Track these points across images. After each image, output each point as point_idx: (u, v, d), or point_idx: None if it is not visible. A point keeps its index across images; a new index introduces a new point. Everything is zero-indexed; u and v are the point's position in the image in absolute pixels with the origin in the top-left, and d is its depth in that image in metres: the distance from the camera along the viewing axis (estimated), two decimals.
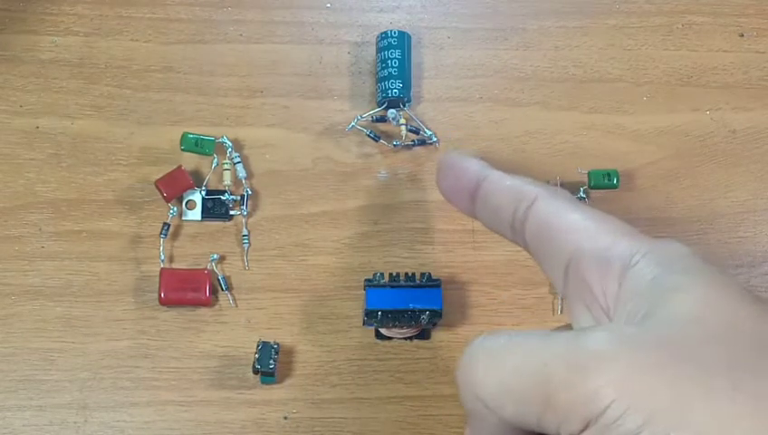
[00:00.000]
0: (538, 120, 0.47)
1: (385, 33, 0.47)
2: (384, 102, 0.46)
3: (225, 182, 0.45)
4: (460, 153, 0.35)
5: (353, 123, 0.46)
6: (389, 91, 0.45)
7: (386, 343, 0.44)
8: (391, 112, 0.46)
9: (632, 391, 0.22)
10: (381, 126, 0.47)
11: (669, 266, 0.25)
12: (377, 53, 0.47)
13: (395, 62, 0.46)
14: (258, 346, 0.42)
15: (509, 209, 0.30)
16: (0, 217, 0.44)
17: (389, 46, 0.46)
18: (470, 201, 0.31)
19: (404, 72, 0.46)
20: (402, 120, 0.46)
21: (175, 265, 0.44)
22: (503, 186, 0.30)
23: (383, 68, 0.46)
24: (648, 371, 0.22)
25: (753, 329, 0.23)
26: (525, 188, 0.29)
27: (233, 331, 0.43)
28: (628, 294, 0.26)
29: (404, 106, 0.46)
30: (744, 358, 0.23)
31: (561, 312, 0.44)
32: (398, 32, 0.46)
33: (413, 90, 0.47)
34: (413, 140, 0.46)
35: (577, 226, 0.28)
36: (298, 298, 0.44)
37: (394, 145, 0.46)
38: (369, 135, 0.46)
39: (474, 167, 0.31)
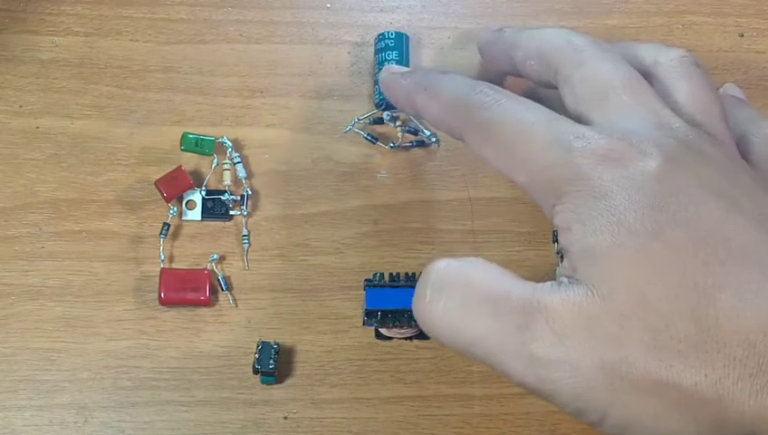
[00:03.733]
0: None
1: (382, 34, 0.47)
2: (382, 104, 0.46)
3: (225, 182, 0.45)
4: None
5: (350, 126, 0.46)
6: None
7: (386, 343, 0.44)
8: (387, 114, 0.46)
9: None
10: (379, 128, 0.47)
11: None
12: (375, 54, 0.47)
13: (392, 64, 0.46)
14: (258, 346, 0.42)
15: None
16: (0, 217, 0.44)
17: (387, 48, 0.46)
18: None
19: None
20: (399, 122, 0.46)
21: (175, 265, 0.44)
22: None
23: (381, 69, 0.46)
24: None
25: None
26: None
27: (233, 331, 0.43)
28: None
29: None
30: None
31: None
32: (396, 33, 0.46)
33: None
34: (411, 142, 0.46)
35: None
36: (298, 298, 0.44)
37: (391, 147, 0.46)
38: (366, 137, 0.46)
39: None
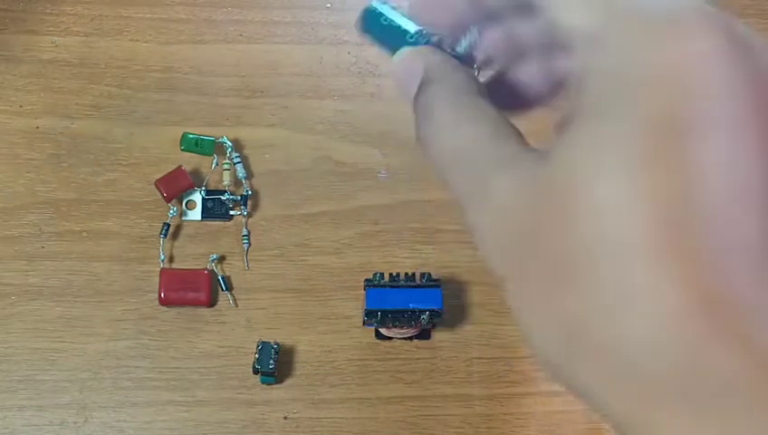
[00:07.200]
0: (539, 119, 0.47)
1: None
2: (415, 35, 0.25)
3: (225, 182, 0.45)
4: None
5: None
6: None
7: (386, 343, 0.44)
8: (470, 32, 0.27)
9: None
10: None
11: None
12: None
13: None
14: (258, 346, 0.42)
15: None
16: (0, 217, 0.44)
17: None
18: None
19: None
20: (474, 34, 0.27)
21: (175, 266, 0.44)
22: None
23: None
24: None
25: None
26: None
27: (233, 331, 0.43)
28: None
29: None
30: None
31: None
32: None
33: None
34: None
35: None
36: (298, 298, 0.44)
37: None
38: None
39: None
